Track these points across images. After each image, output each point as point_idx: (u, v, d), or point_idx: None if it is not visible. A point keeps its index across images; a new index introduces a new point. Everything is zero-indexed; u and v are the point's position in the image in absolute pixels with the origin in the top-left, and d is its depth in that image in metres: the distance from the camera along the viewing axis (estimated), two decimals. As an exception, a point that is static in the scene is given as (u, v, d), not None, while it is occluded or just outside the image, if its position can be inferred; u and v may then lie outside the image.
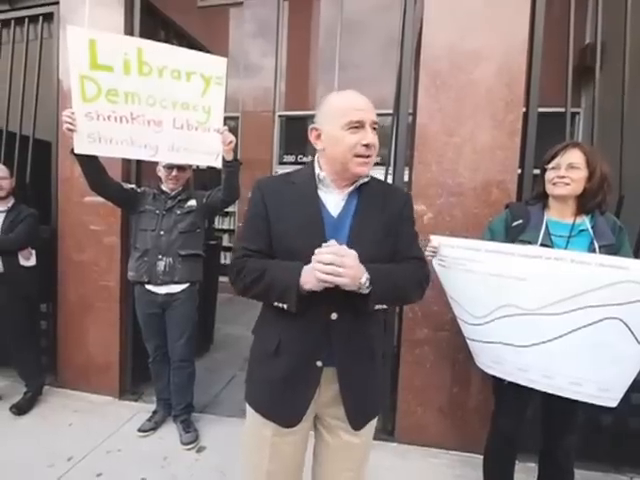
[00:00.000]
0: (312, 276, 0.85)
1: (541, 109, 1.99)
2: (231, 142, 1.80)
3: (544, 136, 2.00)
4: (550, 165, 1.37)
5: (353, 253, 0.85)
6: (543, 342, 1.20)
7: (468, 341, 1.49)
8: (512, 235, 1.42)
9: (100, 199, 2.48)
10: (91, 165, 1.83)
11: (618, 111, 1.97)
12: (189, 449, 2.04)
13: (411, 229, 1.08)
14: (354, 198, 0.99)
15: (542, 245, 1.32)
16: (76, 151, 1.71)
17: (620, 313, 1.08)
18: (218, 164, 1.83)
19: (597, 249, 1.27)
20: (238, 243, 1.03)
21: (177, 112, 1.74)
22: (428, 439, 2.11)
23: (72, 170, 2.49)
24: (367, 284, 0.87)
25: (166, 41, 2.79)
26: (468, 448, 2.04)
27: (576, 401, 1.22)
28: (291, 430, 0.98)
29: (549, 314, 1.17)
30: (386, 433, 2.19)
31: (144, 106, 1.70)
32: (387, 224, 0.98)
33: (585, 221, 1.33)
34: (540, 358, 1.23)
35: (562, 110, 2.02)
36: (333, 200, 0.98)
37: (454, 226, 2.00)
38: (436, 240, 1.44)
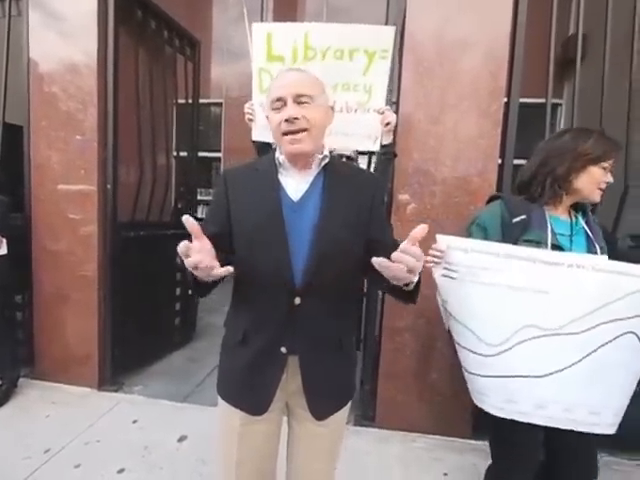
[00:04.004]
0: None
1: (524, 99, 1.99)
2: (389, 123, 1.68)
3: (526, 127, 2.02)
4: (605, 164, 1.11)
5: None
6: (562, 369, 1.02)
7: (471, 377, 1.18)
8: (514, 234, 1.15)
9: (75, 186, 2.39)
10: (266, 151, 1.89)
11: (599, 103, 1.98)
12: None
13: (384, 214, 1.06)
14: (319, 180, 0.95)
15: (553, 246, 1.10)
16: (254, 138, 1.80)
17: (634, 326, 0.98)
18: (376, 147, 1.75)
19: (598, 250, 1.13)
20: None
21: (337, 95, 1.68)
22: (408, 424, 2.15)
23: (47, 156, 2.40)
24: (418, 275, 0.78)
25: (143, 23, 2.70)
26: (447, 432, 2.09)
27: (588, 435, 1.03)
28: (260, 418, 0.96)
29: (569, 334, 1.00)
30: (367, 419, 2.22)
31: None
32: (360, 207, 0.94)
33: (579, 218, 1.21)
34: (561, 388, 1.04)
35: (544, 101, 2.03)
36: (294, 183, 0.94)
37: (435, 215, 2.01)
38: (443, 241, 1.09)
